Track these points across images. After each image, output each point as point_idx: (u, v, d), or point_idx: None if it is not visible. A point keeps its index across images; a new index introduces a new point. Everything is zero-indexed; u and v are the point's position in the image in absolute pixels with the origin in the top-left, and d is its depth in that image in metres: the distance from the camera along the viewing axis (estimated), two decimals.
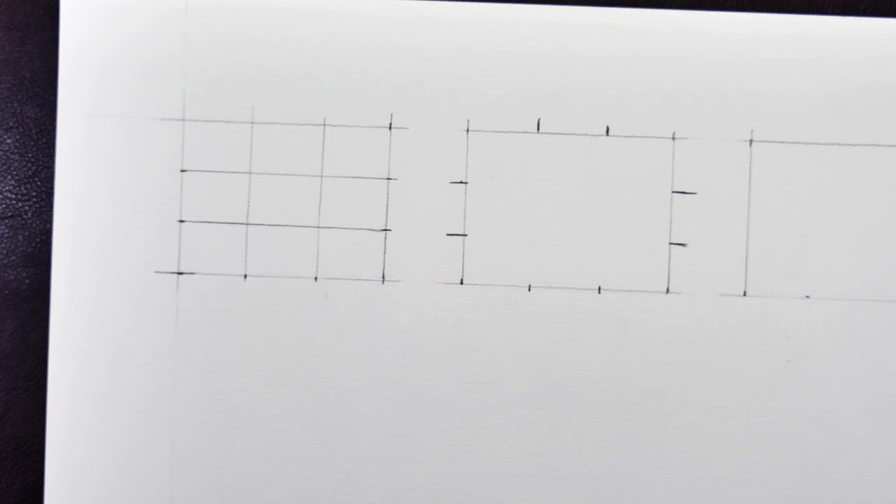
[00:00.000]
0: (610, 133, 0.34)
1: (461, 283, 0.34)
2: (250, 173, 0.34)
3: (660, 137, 0.34)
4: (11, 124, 0.35)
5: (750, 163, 0.34)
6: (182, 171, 0.34)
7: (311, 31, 0.34)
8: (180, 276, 0.34)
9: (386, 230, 0.34)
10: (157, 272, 0.34)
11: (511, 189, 0.34)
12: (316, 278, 0.34)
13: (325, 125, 0.34)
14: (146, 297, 0.34)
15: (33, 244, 0.35)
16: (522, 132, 0.34)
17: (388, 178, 0.34)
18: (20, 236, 0.35)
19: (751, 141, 0.34)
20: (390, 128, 0.34)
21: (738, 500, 0.33)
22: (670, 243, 0.34)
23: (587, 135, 0.34)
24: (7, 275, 0.35)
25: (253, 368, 0.34)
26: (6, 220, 0.35)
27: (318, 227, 0.34)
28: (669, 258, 0.34)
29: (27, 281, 0.34)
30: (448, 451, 0.34)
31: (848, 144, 0.34)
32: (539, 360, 0.34)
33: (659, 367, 0.33)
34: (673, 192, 0.34)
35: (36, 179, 0.35)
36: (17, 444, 0.35)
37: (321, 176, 0.34)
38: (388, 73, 0.34)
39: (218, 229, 0.34)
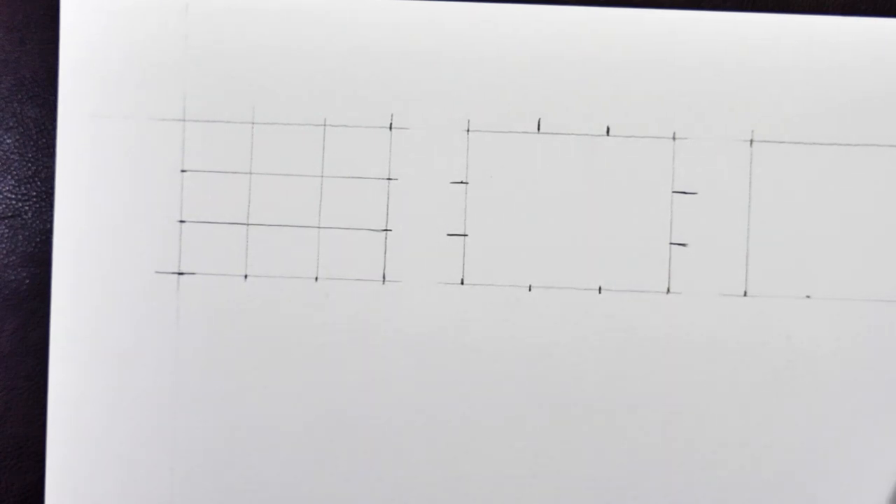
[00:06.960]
0: (610, 133, 0.34)
1: (461, 283, 0.34)
2: (251, 173, 0.34)
3: (660, 137, 0.34)
4: (11, 124, 0.35)
5: (750, 163, 0.34)
6: (182, 171, 0.34)
7: (311, 31, 0.34)
8: (181, 277, 0.34)
9: (386, 230, 0.34)
10: (157, 272, 0.34)
11: (511, 189, 0.34)
12: (316, 278, 0.34)
13: (325, 125, 0.34)
14: (147, 298, 0.34)
15: (33, 244, 0.35)
16: (522, 132, 0.34)
17: (389, 179, 0.34)
18: (20, 236, 0.35)
19: (751, 141, 0.34)
20: (390, 128, 0.34)
21: (738, 500, 0.33)
22: (670, 243, 0.34)
23: (587, 135, 0.34)
24: (7, 275, 0.35)
25: (253, 368, 0.34)
26: (6, 220, 0.35)
27: (319, 228, 0.34)
28: (670, 258, 0.34)
29: (27, 281, 0.34)
30: (448, 451, 0.34)
31: (848, 144, 0.34)
32: (539, 360, 0.34)
33: (659, 367, 0.33)
34: (673, 192, 0.34)
35: (36, 179, 0.35)
36: (17, 444, 0.35)
37: (321, 176, 0.34)
38: (389, 73, 0.34)
39: (218, 229, 0.34)
